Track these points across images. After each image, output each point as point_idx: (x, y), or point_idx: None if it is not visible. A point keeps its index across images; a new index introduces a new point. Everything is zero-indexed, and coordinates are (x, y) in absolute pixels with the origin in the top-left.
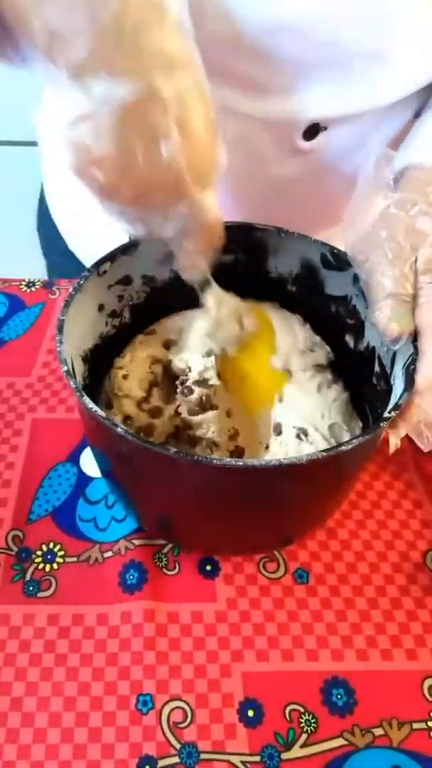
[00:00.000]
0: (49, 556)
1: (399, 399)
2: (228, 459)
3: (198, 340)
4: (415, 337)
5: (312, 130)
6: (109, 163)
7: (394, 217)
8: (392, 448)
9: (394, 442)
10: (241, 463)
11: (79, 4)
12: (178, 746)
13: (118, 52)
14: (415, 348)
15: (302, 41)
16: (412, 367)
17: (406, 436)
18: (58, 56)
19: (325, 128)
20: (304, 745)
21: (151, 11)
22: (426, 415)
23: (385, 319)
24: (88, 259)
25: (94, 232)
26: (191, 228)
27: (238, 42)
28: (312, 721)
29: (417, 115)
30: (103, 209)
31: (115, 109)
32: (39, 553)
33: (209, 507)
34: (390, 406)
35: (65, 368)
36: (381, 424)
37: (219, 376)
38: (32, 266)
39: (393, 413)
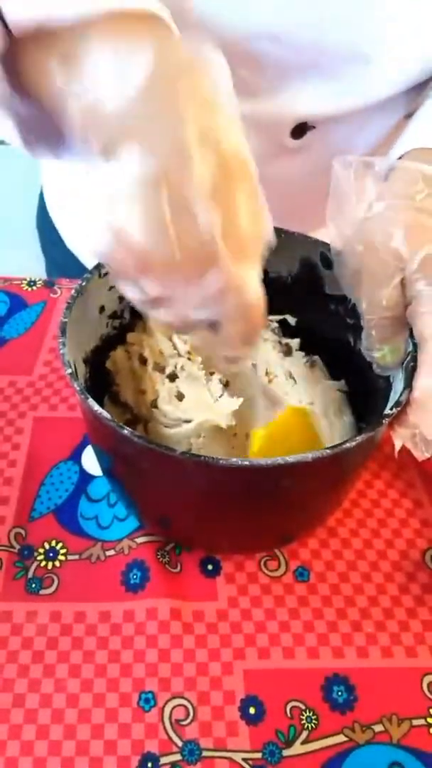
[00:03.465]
0: (51, 554)
1: (399, 396)
2: (234, 459)
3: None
4: (413, 334)
5: (300, 129)
6: (142, 241)
7: (373, 228)
8: (396, 450)
9: (397, 444)
10: (247, 463)
11: (112, 69)
12: (180, 743)
13: (151, 122)
14: (414, 345)
15: (284, 46)
16: (412, 364)
17: None
18: (92, 128)
19: (314, 127)
20: (305, 742)
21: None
22: (421, 428)
23: (375, 351)
24: (86, 257)
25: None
26: (229, 311)
27: (221, 46)
28: (313, 717)
29: (407, 115)
30: (132, 299)
31: (148, 182)
32: (41, 550)
33: (212, 507)
34: (390, 403)
35: (69, 371)
36: (383, 422)
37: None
38: (33, 265)
39: (394, 410)
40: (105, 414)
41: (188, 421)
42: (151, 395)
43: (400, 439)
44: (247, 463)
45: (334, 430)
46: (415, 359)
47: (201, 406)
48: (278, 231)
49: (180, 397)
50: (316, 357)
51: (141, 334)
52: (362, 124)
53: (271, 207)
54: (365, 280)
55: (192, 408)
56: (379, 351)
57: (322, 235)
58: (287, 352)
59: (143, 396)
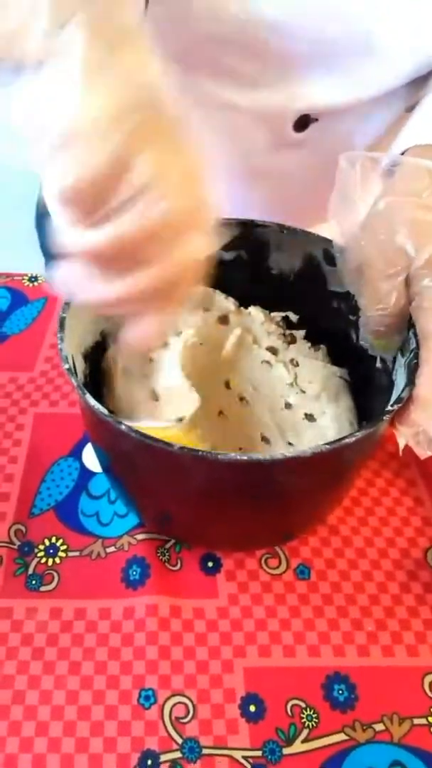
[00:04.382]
0: (51, 551)
1: (401, 393)
2: (233, 454)
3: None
4: (416, 331)
5: (303, 122)
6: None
7: (378, 225)
8: (401, 449)
9: (401, 443)
10: (246, 458)
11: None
12: (180, 741)
13: None
14: (418, 343)
15: (288, 36)
16: (414, 361)
17: None
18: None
19: (316, 120)
20: (305, 740)
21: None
22: (424, 426)
23: (372, 341)
24: None
25: None
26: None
27: (224, 38)
28: (313, 716)
29: (408, 109)
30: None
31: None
32: (41, 547)
33: (211, 503)
34: (392, 399)
35: (66, 366)
36: (383, 418)
37: None
38: (35, 261)
39: (395, 407)
40: (102, 409)
41: (180, 419)
42: (126, 408)
43: (403, 437)
44: (245, 458)
45: (325, 415)
46: (417, 356)
47: (183, 395)
48: (281, 227)
49: (155, 396)
50: (321, 345)
51: None
52: (364, 117)
53: (274, 200)
54: (368, 275)
55: (176, 401)
56: (377, 343)
57: (324, 229)
58: (291, 341)
59: (119, 404)
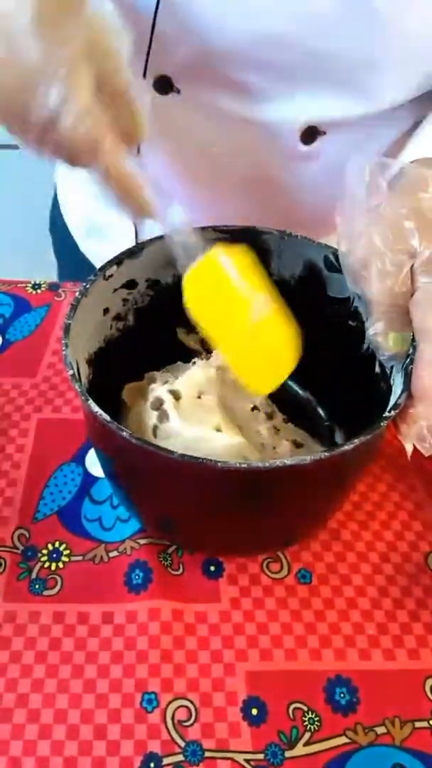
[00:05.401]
0: (54, 555)
1: (398, 399)
2: (233, 462)
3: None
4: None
5: (310, 134)
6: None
7: (386, 221)
8: (408, 454)
9: (408, 448)
10: (245, 466)
11: None
12: (182, 744)
13: None
14: (414, 348)
15: (292, 51)
16: (411, 366)
17: None
18: None
19: (324, 133)
20: (307, 744)
21: None
22: (428, 420)
23: (381, 338)
24: (97, 261)
25: (103, 235)
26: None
27: (229, 53)
28: (315, 719)
29: (417, 122)
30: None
31: None
32: (45, 551)
33: (212, 509)
34: (389, 405)
35: (71, 372)
36: (381, 424)
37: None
38: (38, 268)
39: (392, 412)
40: (105, 416)
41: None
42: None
43: (408, 440)
44: (244, 465)
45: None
46: (413, 361)
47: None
48: (282, 234)
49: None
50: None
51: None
52: (372, 130)
53: (282, 212)
54: (374, 268)
55: None
56: (393, 338)
57: (332, 240)
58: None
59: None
